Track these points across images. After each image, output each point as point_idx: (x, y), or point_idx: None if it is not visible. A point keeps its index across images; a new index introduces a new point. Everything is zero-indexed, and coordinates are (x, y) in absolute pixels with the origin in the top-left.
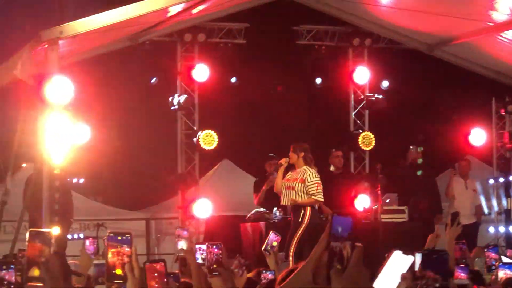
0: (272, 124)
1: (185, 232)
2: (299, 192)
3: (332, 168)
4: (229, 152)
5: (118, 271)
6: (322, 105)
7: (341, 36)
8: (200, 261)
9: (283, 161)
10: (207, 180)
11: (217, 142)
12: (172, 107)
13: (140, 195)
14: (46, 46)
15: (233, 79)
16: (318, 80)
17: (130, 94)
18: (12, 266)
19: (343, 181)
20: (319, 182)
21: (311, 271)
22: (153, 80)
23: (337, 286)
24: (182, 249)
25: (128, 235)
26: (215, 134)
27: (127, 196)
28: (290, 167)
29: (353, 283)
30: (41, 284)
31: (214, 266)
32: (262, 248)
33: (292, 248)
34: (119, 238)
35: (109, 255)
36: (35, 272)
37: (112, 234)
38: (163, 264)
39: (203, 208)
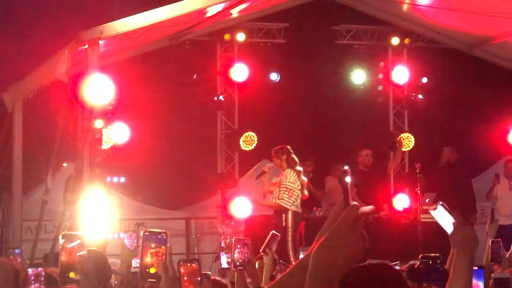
0: (311, 123)
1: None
2: (276, 196)
3: (361, 167)
4: (268, 151)
5: (152, 270)
6: (362, 105)
7: (380, 36)
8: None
9: (267, 168)
10: (246, 179)
11: (256, 143)
12: (212, 107)
13: (180, 195)
14: (87, 46)
15: (275, 76)
16: (357, 80)
17: (170, 94)
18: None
19: (376, 180)
20: (292, 187)
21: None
22: (194, 76)
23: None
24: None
25: (164, 234)
26: (255, 135)
27: (167, 196)
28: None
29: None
30: (76, 286)
31: (240, 261)
32: (261, 249)
33: (291, 253)
34: (155, 236)
35: (144, 253)
36: (71, 274)
37: (147, 233)
38: (197, 263)
39: (242, 208)
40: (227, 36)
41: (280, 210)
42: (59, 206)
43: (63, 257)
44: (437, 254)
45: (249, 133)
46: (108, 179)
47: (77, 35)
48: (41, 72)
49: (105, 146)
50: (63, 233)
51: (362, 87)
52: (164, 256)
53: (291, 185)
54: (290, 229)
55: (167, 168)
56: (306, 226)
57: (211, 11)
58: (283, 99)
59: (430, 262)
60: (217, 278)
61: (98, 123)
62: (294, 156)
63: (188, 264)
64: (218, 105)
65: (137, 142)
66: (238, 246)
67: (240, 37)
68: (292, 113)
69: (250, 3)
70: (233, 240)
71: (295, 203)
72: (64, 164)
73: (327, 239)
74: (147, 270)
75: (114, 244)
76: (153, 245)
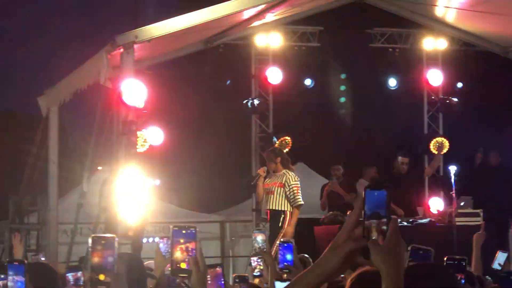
0: (346, 127)
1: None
2: (278, 196)
3: (396, 172)
4: (303, 154)
5: (183, 265)
6: (396, 108)
7: (414, 39)
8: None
9: (261, 172)
10: None
11: (291, 146)
12: (247, 110)
13: (214, 198)
14: (122, 50)
15: (309, 81)
16: (392, 83)
17: (204, 97)
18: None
19: (410, 183)
20: (298, 185)
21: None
22: (228, 82)
23: (377, 257)
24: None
25: (193, 229)
26: (289, 138)
27: (202, 199)
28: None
29: (392, 253)
30: None
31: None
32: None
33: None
34: (184, 232)
35: (174, 249)
36: (100, 276)
37: (177, 228)
38: (220, 268)
39: None
40: (261, 40)
41: (279, 211)
42: (95, 209)
43: (94, 259)
44: (463, 257)
45: (283, 136)
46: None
47: (112, 39)
48: (77, 75)
49: (140, 149)
50: (92, 235)
51: (396, 90)
52: (194, 251)
53: (298, 183)
54: (283, 230)
55: (202, 171)
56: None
57: (246, 15)
58: (317, 102)
59: (456, 263)
60: (255, 282)
61: (133, 127)
62: (286, 156)
63: (212, 269)
64: (253, 109)
65: (172, 146)
66: (282, 249)
67: (275, 40)
68: (326, 116)
69: (285, 7)
70: (278, 242)
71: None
72: (99, 168)
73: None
74: (178, 265)
75: (149, 248)
76: (182, 240)
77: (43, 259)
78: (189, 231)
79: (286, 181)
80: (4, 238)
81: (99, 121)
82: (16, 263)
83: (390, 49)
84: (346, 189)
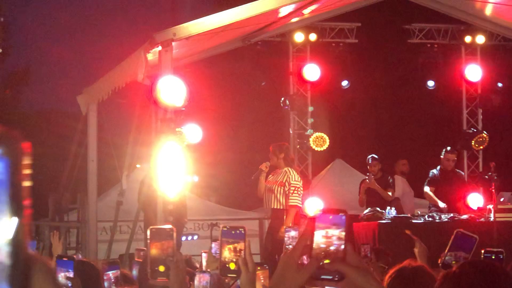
0: (383, 122)
1: (293, 232)
2: (278, 196)
3: (442, 167)
4: (342, 151)
5: (232, 265)
6: (434, 104)
7: (453, 34)
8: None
9: (263, 166)
10: (320, 179)
11: (328, 144)
12: (285, 107)
13: (253, 195)
14: (160, 48)
15: (345, 83)
16: (430, 83)
17: (243, 95)
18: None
19: (454, 179)
20: (299, 185)
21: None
22: (263, 83)
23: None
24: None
25: (242, 229)
26: (326, 136)
27: (240, 196)
28: (272, 168)
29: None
30: (166, 280)
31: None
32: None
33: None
34: (233, 232)
35: (223, 249)
36: (160, 268)
37: (226, 229)
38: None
39: (315, 208)
40: (299, 37)
41: (282, 210)
42: (134, 207)
43: (152, 251)
44: (500, 249)
45: (320, 134)
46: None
47: (151, 37)
48: (115, 74)
49: (178, 146)
50: (151, 227)
51: (434, 86)
52: (242, 251)
53: (298, 183)
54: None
55: (239, 168)
56: (380, 227)
57: (283, 12)
58: (355, 98)
59: (493, 257)
60: None
61: (172, 124)
62: (292, 155)
63: (259, 268)
64: (291, 105)
65: (210, 143)
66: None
67: (312, 37)
68: (364, 112)
69: (322, 3)
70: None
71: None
72: (138, 166)
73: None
74: (227, 265)
75: (189, 245)
76: (231, 240)
77: (80, 257)
78: (238, 231)
79: (287, 180)
80: (44, 236)
81: (137, 119)
82: (65, 259)
83: (429, 45)
84: (383, 185)
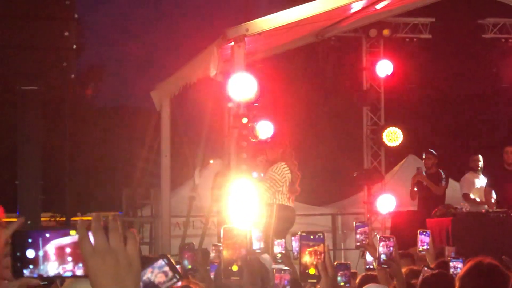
0: (457, 118)
1: (363, 227)
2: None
3: (505, 164)
4: (415, 147)
5: (312, 271)
6: (509, 100)
7: None
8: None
9: (258, 161)
10: (393, 175)
11: (402, 139)
12: (358, 102)
13: (326, 191)
14: (233, 43)
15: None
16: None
17: (315, 90)
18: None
19: None
20: (275, 178)
21: None
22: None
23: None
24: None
25: (321, 234)
26: (399, 130)
27: (313, 192)
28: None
29: None
30: (239, 278)
31: (384, 259)
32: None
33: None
34: (312, 237)
35: (303, 254)
36: (233, 267)
37: (304, 234)
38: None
39: (387, 203)
40: (373, 32)
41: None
42: (207, 202)
43: (225, 251)
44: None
45: (394, 128)
46: (255, 174)
47: (223, 33)
48: (188, 69)
49: (250, 142)
50: (224, 226)
51: (508, 82)
52: (322, 255)
53: (276, 175)
54: (272, 225)
55: (313, 164)
56: (453, 223)
57: (356, 7)
58: (429, 94)
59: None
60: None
61: (244, 120)
62: (291, 151)
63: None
64: (364, 101)
65: (282, 139)
66: (382, 244)
67: (386, 32)
68: (437, 108)
69: None
70: (378, 237)
71: (277, 197)
72: (211, 161)
73: None
74: (307, 271)
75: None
76: (310, 246)
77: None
78: (317, 236)
79: (267, 173)
80: None
81: (210, 115)
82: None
83: (503, 40)
84: (435, 180)
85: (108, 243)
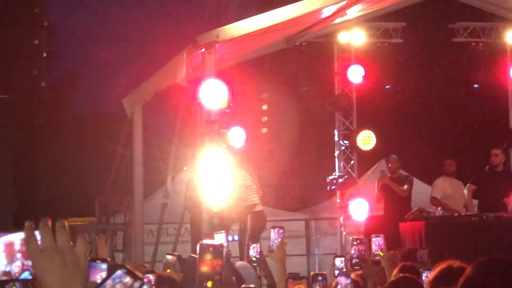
0: (430, 123)
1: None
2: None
3: (489, 166)
4: (387, 151)
5: (209, 284)
6: (480, 103)
7: (498, 32)
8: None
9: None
10: (366, 180)
11: (375, 142)
12: (330, 108)
13: (299, 196)
14: (203, 50)
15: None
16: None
17: (287, 96)
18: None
19: (505, 180)
20: (243, 184)
21: None
22: (304, 88)
23: None
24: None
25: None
26: (373, 134)
27: (286, 197)
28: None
29: None
30: None
31: (356, 260)
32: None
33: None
34: (211, 248)
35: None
36: (208, 283)
37: (204, 244)
38: (306, 282)
39: (360, 208)
40: (343, 37)
41: (245, 212)
42: (179, 209)
43: (202, 267)
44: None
45: (367, 131)
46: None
47: (194, 39)
48: (159, 76)
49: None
50: (200, 242)
51: (479, 85)
52: (220, 268)
53: (241, 181)
54: (248, 231)
55: (285, 169)
56: (426, 226)
57: (327, 12)
58: (401, 98)
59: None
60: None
61: (216, 126)
62: (241, 155)
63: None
64: (336, 106)
65: (254, 145)
66: (355, 245)
67: (357, 37)
68: (409, 112)
69: (367, 3)
70: (350, 239)
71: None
72: (185, 168)
73: None
74: (204, 284)
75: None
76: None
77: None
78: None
79: (235, 181)
80: (90, 239)
81: (181, 121)
82: (99, 261)
83: (473, 43)
84: (399, 183)
85: (56, 243)
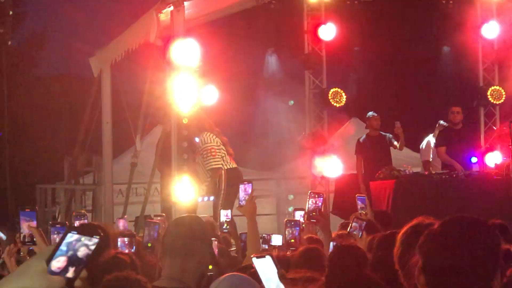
0: (401, 81)
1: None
2: (200, 161)
3: (450, 125)
4: (358, 110)
5: None
6: (450, 62)
7: None
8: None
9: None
10: (336, 138)
11: (345, 100)
12: (300, 66)
13: (270, 156)
14: (172, 8)
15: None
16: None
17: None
18: None
19: (465, 137)
20: (210, 146)
21: None
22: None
23: None
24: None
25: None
26: (343, 92)
27: (257, 157)
28: None
29: None
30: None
31: (313, 213)
32: (237, 207)
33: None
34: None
35: None
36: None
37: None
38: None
39: (333, 167)
40: None
41: (214, 175)
42: (149, 168)
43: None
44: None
45: (337, 89)
46: (197, 139)
47: None
48: (128, 35)
49: (192, 108)
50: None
51: (450, 44)
52: None
53: (208, 145)
54: (222, 191)
55: (256, 129)
56: (396, 185)
57: None
58: (371, 57)
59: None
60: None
61: (185, 85)
62: (204, 119)
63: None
64: (306, 64)
65: (226, 104)
66: (312, 200)
67: None
68: (380, 72)
69: None
70: (308, 193)
71: (225, 160)
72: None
73: None
74: None
75: (204, 207)
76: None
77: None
78: None
79: (199, 146)
80: (59, 200)
81: (150, 80)
82: (59, 226)
83: (444, 1)
84: (381, 140)
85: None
